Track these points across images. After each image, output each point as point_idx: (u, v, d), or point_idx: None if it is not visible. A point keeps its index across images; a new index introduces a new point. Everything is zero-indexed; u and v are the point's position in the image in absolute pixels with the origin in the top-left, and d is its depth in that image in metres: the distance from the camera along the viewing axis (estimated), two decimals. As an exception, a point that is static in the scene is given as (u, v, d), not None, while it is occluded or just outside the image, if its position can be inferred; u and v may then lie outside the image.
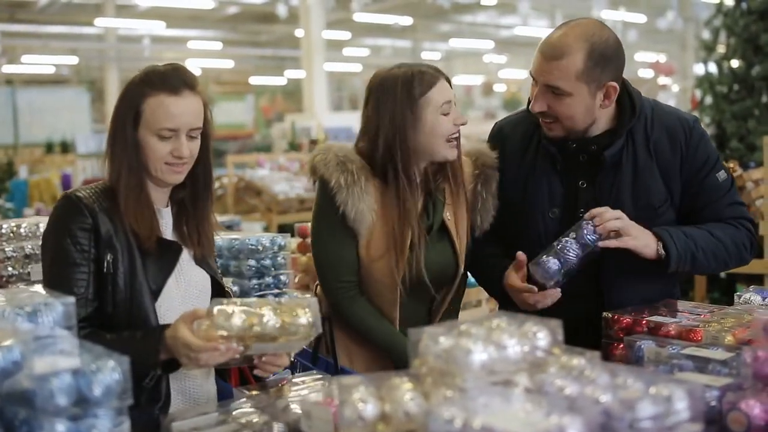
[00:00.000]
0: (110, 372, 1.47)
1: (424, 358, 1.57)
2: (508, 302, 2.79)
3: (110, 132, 2.49)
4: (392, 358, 2.76)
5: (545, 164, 2.86)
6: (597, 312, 2.59)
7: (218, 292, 2.65)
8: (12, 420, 1.46)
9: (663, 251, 2.67)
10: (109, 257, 2.37)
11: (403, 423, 1.48)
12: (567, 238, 2.60)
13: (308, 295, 2.19)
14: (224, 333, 2.03)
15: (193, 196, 2.59)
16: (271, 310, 2.07)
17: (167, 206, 2.58)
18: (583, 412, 1.35)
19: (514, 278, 2.74)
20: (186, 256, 2.56)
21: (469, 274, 3.02)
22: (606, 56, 2.68)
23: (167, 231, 2.55)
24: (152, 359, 2.21)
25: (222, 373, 2.65)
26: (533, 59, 2.76)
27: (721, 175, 2.83)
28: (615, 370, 1.55)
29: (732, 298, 2.59)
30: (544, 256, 2.60)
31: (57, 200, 2.50)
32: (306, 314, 2.10)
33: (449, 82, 2.80)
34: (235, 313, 2.04)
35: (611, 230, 2.60)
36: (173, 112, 2.40)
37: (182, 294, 2.52)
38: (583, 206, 2.78)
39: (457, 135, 2.80)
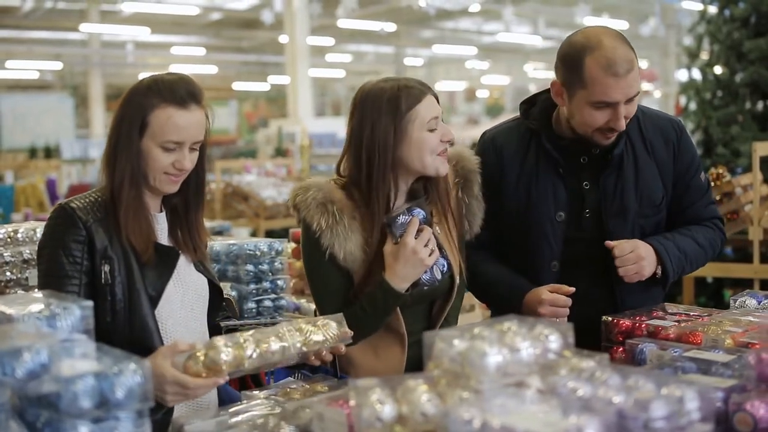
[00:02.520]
0: (132, 374, 1.49)
1: (439, 361, 1.59)
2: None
3: (113, 139, 2.47)
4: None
5: (547, 168, 2.89)
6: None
7: (216, 295, 2.67)
8: (34, 422, 1.47)
9: (660, 271, 2.81)
10: (106, 268, 2.39)
11: (421, 424, 1.51)
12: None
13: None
14: (218, 367, 2.05)
15: (186, 203, 2.60)
16: (276, 338, 2.15)
17: (161, 211, 2.58)
18: (599, 413, 1.38)
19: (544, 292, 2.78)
20: (183, 261, 2.57)
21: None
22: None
23: (163, 236, 2.56)
24: None
25: None
26: (599, 87, 2.66)
27: (703, 176, 2.97)
28: (625, 372, 1.58)
29: (719, 302, 2.69)
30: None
31: (52, 210, 2.50)
32: (323, 330, 2.23)
33: (437, 98, 2.72)
34: (221, 348, 2.06)
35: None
36: (180, 126, 2.41)
37: (181, 298, 2.54)
38: (588, 206, 2.86)
39: (446, 150, 2.72)
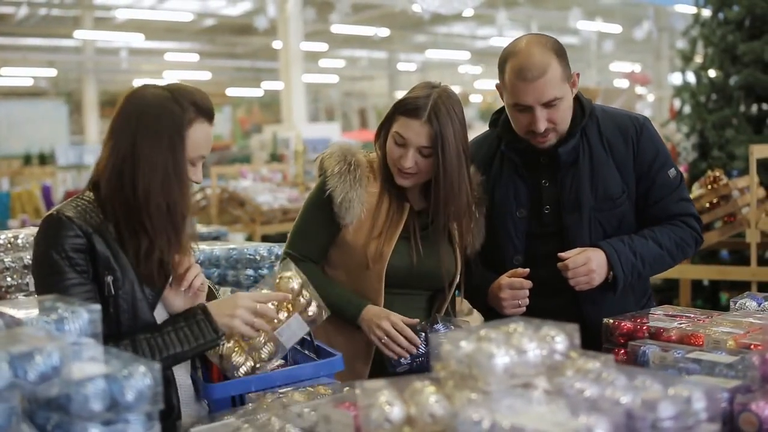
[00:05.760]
0: (142, 377, 1.49)
1: (446, 362, 1.60)
2: (491, 313, 2.96)
3: (132, 153, 2.32)
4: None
5: (510, 170, 3.06)
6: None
7: None
8: (44, 425, 1.47)
9: (611, 276, 2.90)
10: (109, 279, 2.29)
11: (429, 425, 1.51)
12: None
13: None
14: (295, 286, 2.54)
15: None
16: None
17: None
18: (608, 413, 1.39)
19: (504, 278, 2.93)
20: None
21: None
22: (564, 52, 2.90)
23: None
24: (213, 331, 2.35)
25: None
26: (513, 91, 2.86)
27: (672, 172, 3.04)
28: (631, 373, 1.59)
29: (716, 305, 2.71)
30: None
31: (43, 220, 2.36)
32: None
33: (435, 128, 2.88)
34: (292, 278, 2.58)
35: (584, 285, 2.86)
36: (210, 140, 2.42)
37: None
38: (547, 203, 3.00)
39: (406, 173, 2.87)
